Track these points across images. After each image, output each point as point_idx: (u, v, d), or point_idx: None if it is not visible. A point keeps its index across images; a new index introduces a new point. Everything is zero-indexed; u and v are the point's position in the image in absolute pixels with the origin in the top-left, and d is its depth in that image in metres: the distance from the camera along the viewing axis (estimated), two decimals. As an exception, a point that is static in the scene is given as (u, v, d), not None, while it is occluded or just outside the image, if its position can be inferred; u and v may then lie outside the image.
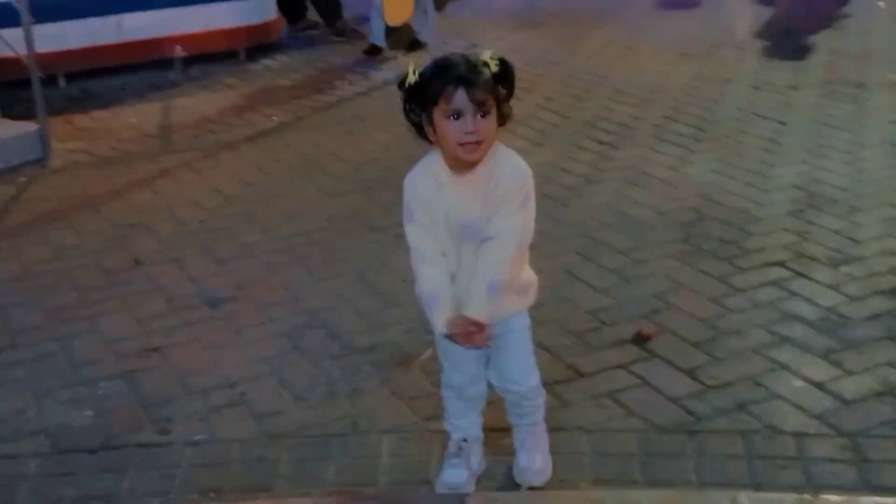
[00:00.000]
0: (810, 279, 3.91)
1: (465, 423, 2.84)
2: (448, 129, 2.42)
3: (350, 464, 2.95)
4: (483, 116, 2.41)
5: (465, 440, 2.83)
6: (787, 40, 7.39)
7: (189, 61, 7.18)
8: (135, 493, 2.87)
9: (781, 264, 4.03)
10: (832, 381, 3.25)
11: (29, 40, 5.45)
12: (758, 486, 2.79)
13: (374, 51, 7.38)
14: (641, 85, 6.46)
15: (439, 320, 2.53)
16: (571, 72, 6.81)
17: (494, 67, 2.44)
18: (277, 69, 7.31)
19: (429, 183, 2.52)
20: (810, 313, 3.66)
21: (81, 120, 6.29)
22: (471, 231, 2.51)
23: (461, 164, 2.48)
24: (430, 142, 2.51)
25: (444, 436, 2.88)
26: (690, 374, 3.32)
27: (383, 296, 3.92)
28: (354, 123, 6.03)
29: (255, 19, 7.48)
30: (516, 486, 2.83)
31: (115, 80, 7.00)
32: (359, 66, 7.20)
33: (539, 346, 2.91)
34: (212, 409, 3.25)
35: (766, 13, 8.19)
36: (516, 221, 2.50)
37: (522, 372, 2.75)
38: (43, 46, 5.79)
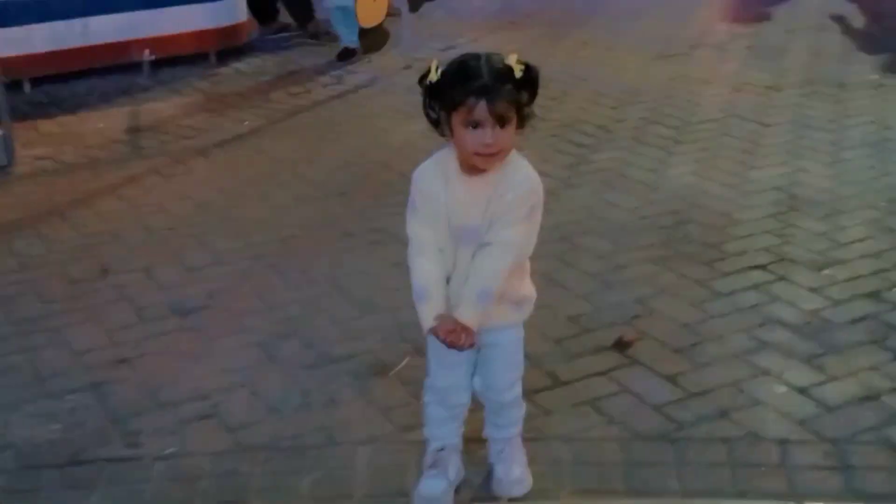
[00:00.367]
0: (792, 283, 3.93)
1: (444, 432, 2.84)
2: (466, 137, 2.42)
3: (325, 476, 2.94)
4: (503, 128, 2.40)
5: (442, 449, 2.82)
6: (767, 40, 7.43)
7: (158, 64, 7.13)
8: (104, 509, 2.85)
9: (763, 268, 4.05)
10: (815, 386, 3.27)
11: (-8, 44, 5.41)
12: (741, 494, 2.80)
13: (347, 54, 7.35)
14: (620, 86, 6.49)
15: (426, 316, 2.52)
16: (548, 73, 6.72)
17: (518, 73, 2.41)
18: (249, 72, 7.28)
19: (436, 177, 2.52)
20: (792, 317, 3.68)
21: (47, 125, 6.24)
22: (470, 234, 2.51)
23: (474, 168, 2.49)
24: (447, 137, 2.50)
25: (422, 446, 2.88)
26: (672, 380, 3.33)
27: (359, 303, 3.91)
28: (328, 127, 6.02)
29: (225, 21, 7.44)
30: (496, 498, 2.83)
31: (82, 85, 6.94)
32: (332, 69, 7.18)
33: (518, 353, 2.92)
34: (183, 421, 3.23)
35: (746, 12, 8.24)
36: (518, 232, 2.51)
37: (508, 383, 2.76)
38: (7, 50, 5.76)
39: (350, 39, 7.31)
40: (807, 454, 2.94)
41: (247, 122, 6.18)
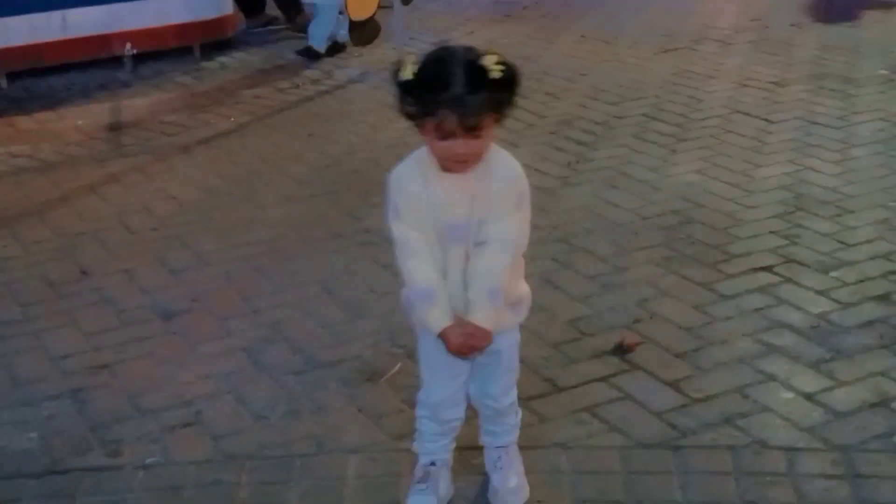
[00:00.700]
0: (799, 285, 3.93)
1: (435, 447, 2.83)
2: (436, 146, 2.40)
3: (314, 486, 2.93)
4: (477, 136, 2.37)
5: (433, 464, 2.82)
6: (772, 34, 7.45)
7: (140, 59, 7.13)
8: (83, 521, 2.85)
9: (769, 269, 4.05)
10: (823, 392, 3.27)
11: (-33, 38, 5.41)
12: (746, 504, 2.80)
13: (309, 53, 7.29)
14: (620, 81, 6.49)
15: (438, 316, 2.49)
16: (546, 68, 6.83)
17: (497, 74, 2.34)
18: (234, 67, 7.28)
19: (415, 177, 2.49)
20: (799, 321, 3.69)
21: (24, 122, 6.23)
22: (457, 232, 2.49)
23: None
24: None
25: (414, 456, 2.88)
26: (674, 386, 3.33)
27: (349, 307, 3.91)
28: (316, 124, 6.02)
29: (210, 14, 7.44)
30: (491, 509, 2.83)
31: (61, 80, 6.94)
32: (321, 64, 7.18)
33: (514, 358, 2.91)
34: (165, 429, 3.22)
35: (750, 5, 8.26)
36: (511, 224, 2.50)
37: (505, 388, 2.76)
38: (-19, 44, 5.76)
39: (318, 42, 7.25)
40: (815, 462, 2.94)
41: (232, 119, 6.18)
